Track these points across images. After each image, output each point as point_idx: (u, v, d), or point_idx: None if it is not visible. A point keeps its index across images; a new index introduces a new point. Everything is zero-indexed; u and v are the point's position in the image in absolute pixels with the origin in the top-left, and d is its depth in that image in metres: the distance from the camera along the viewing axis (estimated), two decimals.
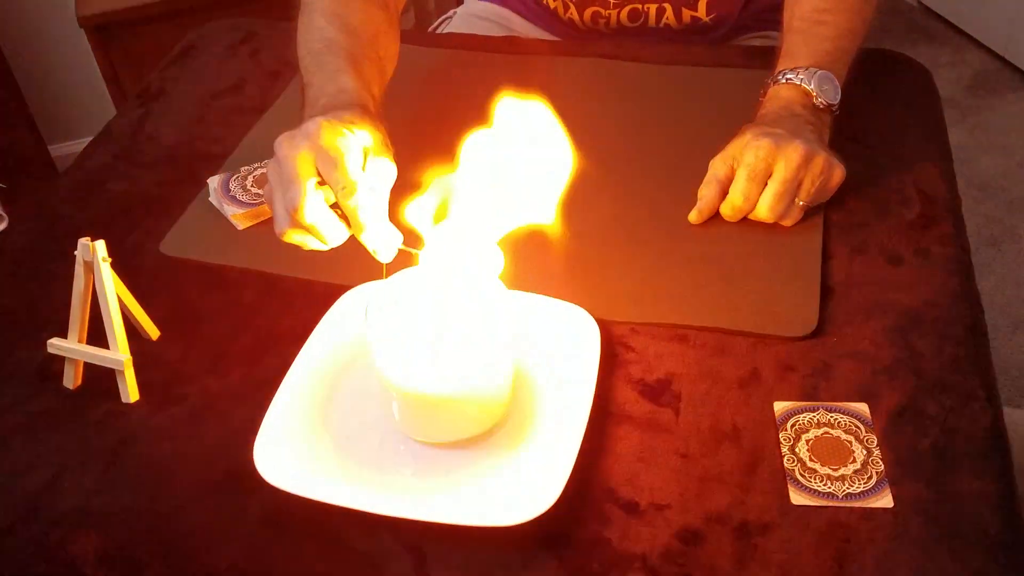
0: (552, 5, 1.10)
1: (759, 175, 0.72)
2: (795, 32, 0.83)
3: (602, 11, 1.06)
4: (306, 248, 0.64)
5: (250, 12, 1.58)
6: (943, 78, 2.32)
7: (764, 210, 0.72)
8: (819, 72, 0.78)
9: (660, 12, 1.05)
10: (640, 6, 1.05)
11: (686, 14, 1.05)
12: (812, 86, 0.78)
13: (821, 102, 0.78)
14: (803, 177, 0.72)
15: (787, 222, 0.73)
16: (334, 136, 0.62)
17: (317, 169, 0.61)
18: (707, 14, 1.05)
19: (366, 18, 0.81)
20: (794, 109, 0.77)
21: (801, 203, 0.73)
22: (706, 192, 0.75)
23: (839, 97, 0.79)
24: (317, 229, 0.61)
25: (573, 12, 1.08)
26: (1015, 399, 1.53)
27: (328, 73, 0.74)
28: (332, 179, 0.61)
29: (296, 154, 0.61)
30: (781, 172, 0.71)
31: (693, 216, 0.75)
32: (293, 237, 0.62)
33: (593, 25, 1.09)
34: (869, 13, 0.84)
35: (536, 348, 0.64)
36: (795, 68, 0.79)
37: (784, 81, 0.79)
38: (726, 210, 0.74)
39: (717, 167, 0.75)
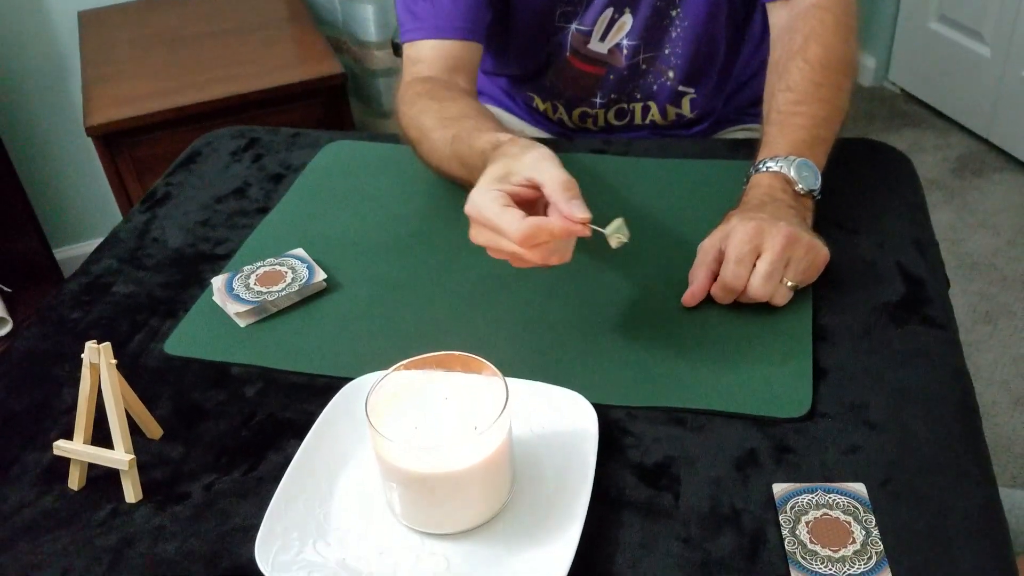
0: (542, 108, 1.15)
1: (746, 257, 0.74)
2: (773, 124, 0.86)
3: (589, 111, 1.11)
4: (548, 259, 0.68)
5: (253, 120, 1.64)
6: (928, 161, 2.38)
7: (753, 290, 0.74)
8: (797, 160, 0.81)
9: (645, 110, 1.09)
10: (625, 105, 1.09)
11: (671, 112, 1.09)
12: (792, 173, 0.81)
13: (801, 188, 0.81)
14: (789, 258, 0.74)
15: (777, 301, 0.75)
16: (487, 200, 0.68)
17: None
18: (691, 111, 1.09)
19: (457, 102, 0.90)
20: (776, 195, 0.80)
21: (789, 283, 0.75)
22: (697, 275, 0.77)
23: (819, 183, 0.82)
24: (544, 233, 0.66)
25: (562, 112, 1.13)
26: (1020, 476, 1.52)
27: (470, 161, 0.80)
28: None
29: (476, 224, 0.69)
30: (767, 254, 0.73)
31: (686, 298, 0.76)
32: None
33: (581, 124, 1.13)
34: (842, 102, 0.87)
35: (534, 435, 0.65)
36: (775, 156, 0.82)
37: (765, 169, 0.82)
38: (717, 292, 0.76)
39: (706, 251, 0.77)
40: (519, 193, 0.69)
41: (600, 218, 0.69)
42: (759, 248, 0.74)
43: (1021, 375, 1.73)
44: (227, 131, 1.12)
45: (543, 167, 0.69)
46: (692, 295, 0.76)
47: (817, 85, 0.86)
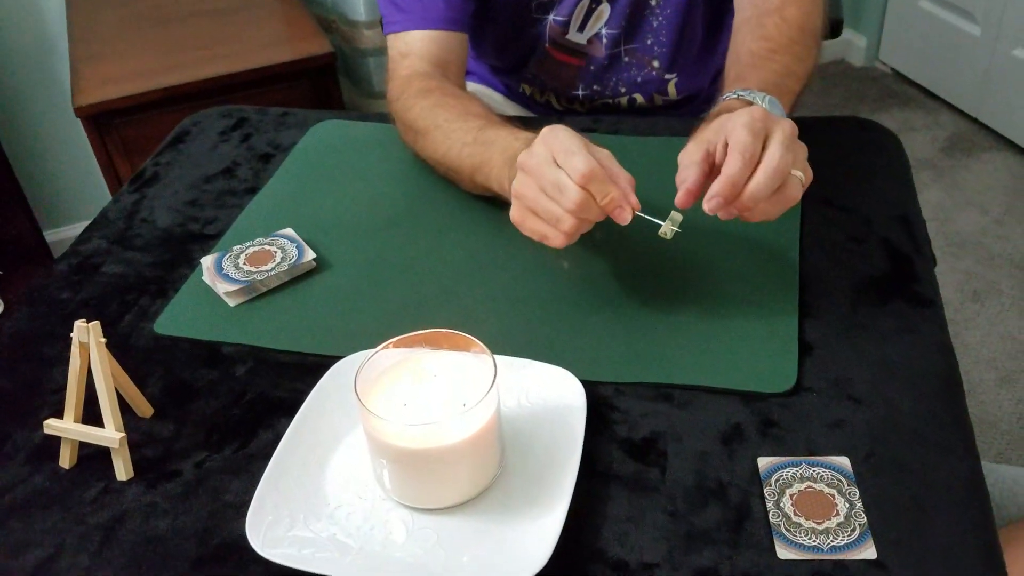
0: (528, 91, 1.15)
1: (759, 132, 0.66)
2: (744, 64, 0.85)
3: (574, 100, 1.11)
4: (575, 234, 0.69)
5: (241, 99, 1.64)
6: (918, 140, 2.38)
7: (772, 161, 0.65)
8: (768, 97, 0.78)
9: (632, 102, 1.10)
10: (611, 100, 1.09)
11: (658, 99, 1.09)
12: (764, 105, 0.76)
13: None
14: (796, 150, 0.68)
15: (790, 195, 0.67)
16: (572, 135, 0.69)
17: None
18: (678, 94, 1.09)
19: (477, 101, 0.90)
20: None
21: (797, 173, 0.67)
22: (689, 174, 0.69)
23: None
24: (601, 186, 0.66)
25: (550, 96, 1.13)
26: (1006, 453, 1.54)
27: (501, 143, 0.79)
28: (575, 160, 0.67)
29: (547, 150, 0.68)
30: (778, 132, 0.67)
31: (682, 199, 0.69)
32: (574, 223, 0.67)
33: (569, 105, 1.13)
34: (811, 67, 0.87)
35: (523, 411, 0.66)
36: (746, 89, 0.79)
37: (735, 96, 0.78)
38: (723, 183, 0.66)
39: (692, 152, 0.70)
40: None
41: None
42: (768, 129, 0.67)
43: (1008, 353, 1.74)
44: (215, 111, 1.12)
45: (614, 161, 0.70)
46: (688, 192, 0.69)
47: (792, 41, 0.86)
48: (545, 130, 0.70)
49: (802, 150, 0.69)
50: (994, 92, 2.33)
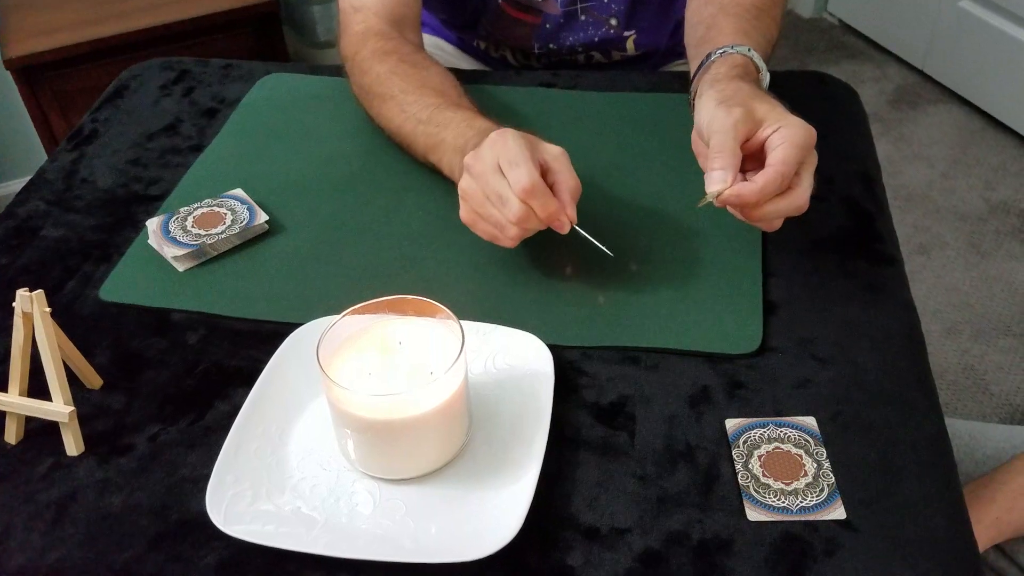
0: (483, 46, 1.12)
1: (803, 158, 0.65)
2: (742, 19, 0.80)
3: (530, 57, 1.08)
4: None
5: (180, 50, 1.57)
6: (866, 93, 2.40)
7: (803, 198, 0.65)
8: (766, 72, 0.77)
9: (589, 58, 1.07)
10: (568, 58, 1.07)
11: (616, 55, 1.07)
12: (766, 80, 0.75)
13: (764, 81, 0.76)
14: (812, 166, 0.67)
15: (776, 226, 0.68)
16: (521, 143, 0.68)
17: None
18: (636, 50, 1.07)
19: (435, 71, 0.86)
20: (756, 82, 0.74)
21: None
22: (726, 159, 0.65)
23: None
24: (541, 201, 0.66)
25: (505, 52, 1.10)
26: (952, 403, 1.58)
27: (454, 128, 0.77)
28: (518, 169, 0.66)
29: (493, 156, 0.67)
30: (813, 164, 0.67)
31: (722, 193, 0.64)
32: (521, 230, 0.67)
33: (525, 62, 1.11)
34: (777, 30, 0.85)
35: (490, 378, 0.65)
36: (748, 47, 0.76)
37: (749, 53, 0.75)
38: (753, 194, 0.64)
39: (726, 131, 0.65)
40: None
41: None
42: (807, 155, 0.66)
43: (953, 305, 1.78)
44: (155, 63, 1.07)
45: (564, 163, 0.69)
46: (732, 196, 0.64)
47: (774, 3, 0.84)
48: (494, 134, 0.69)
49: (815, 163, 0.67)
50: (941, 44, 2.35)
